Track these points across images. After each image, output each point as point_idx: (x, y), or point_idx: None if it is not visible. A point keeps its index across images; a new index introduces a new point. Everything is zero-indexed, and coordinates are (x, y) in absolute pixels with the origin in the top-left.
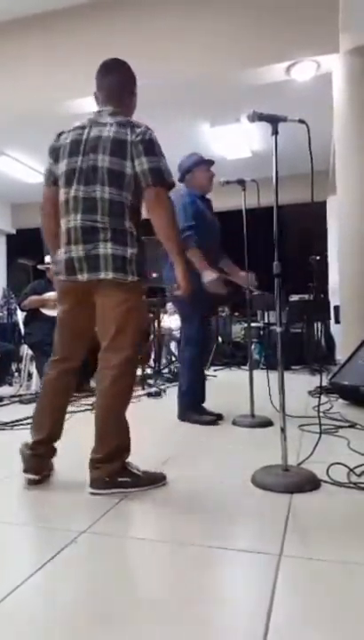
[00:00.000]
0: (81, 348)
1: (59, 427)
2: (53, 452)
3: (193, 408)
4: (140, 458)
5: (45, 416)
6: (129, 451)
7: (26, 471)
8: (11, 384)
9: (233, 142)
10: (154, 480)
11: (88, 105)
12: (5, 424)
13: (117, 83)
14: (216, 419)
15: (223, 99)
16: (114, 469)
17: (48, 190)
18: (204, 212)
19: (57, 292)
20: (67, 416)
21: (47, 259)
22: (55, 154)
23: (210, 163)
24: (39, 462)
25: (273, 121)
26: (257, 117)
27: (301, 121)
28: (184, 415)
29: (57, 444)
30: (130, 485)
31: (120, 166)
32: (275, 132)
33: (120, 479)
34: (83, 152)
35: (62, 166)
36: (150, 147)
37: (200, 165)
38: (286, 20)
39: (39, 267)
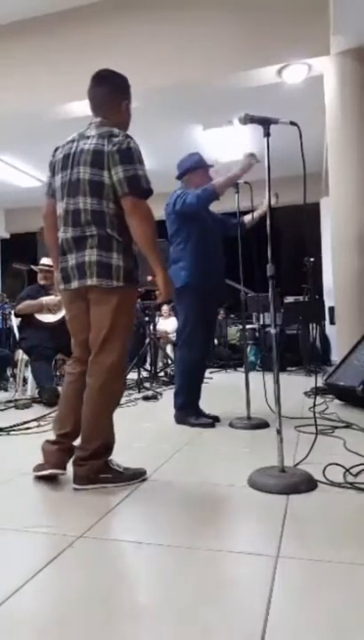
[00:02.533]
0: (88, 353)
1: (80, 423)
2: (73, 450)
3: (188, 411)
4: (137, 461)
5: (70, 411)
6: (112, 449)
7: (45, 466)
8: (6, 389)
9: (226, 145)
10: (135, 475)
11: (85, 109)
12: (1, 429)
13: (103, 93)
14: (212, 421)
15: (215, 101)
16: (97, 467)
17: (48, 202)
18: (205, 216)
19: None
20: None
21: (43, 260)
22: (52, 168)
23: (210, 167)
24: (62, 457)
25: (265, 123)
26: (249, 120)
27: (293, 123)
28: (181, 419)
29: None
30: (112, 481)
31: (99, 177)
32: (267, 135)
33: (102, 475)
34: (71, 165)
35: (57, 180)
36: (127, 155)
37: (199, 168)
38: (277, 22)
39: (33, 267)
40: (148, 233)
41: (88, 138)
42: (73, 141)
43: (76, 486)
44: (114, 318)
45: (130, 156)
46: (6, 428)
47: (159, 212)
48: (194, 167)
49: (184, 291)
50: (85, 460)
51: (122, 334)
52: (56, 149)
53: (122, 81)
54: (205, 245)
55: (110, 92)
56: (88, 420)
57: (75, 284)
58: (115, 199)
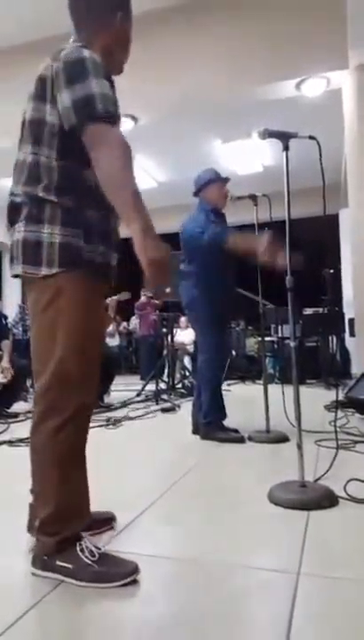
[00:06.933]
0: None
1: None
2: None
3: (216, 427)
4: (155, 474)
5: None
6: (72, 521)
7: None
8: (26, 400)
9: (245, 157)
10: (109, 576)
11: None
12: (21, 440)
13: (85, 1)
14: (242, 436)
15: (234, 115)
16: (49, 547)
17: None
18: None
19: None
20: None
21: None
22: None
23: (226, 180)
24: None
25: (284, 138)
26: (268, 134)
27: (311, 137)
28: (207, 434)
29: None
30: (71, 575)
31: (38, 113)
32: (286, 149)
33: (60, 563)
34: None
35: None
36: (75, 71)
37: (215, 182)
38: (296, 36)
39: None
40: (115, 165)
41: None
42: None
43: (31, 569)
44: (47, 326)
45: (78, 71)
46: (25, 438)
47: (177, 225)
48: (209, 182)
49: (194, 302)
50: (37, 532)
51: (61, 350)
52: None
53: None
54: (214, 260)
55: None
56: (35, 478)
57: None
58: (60, 145)
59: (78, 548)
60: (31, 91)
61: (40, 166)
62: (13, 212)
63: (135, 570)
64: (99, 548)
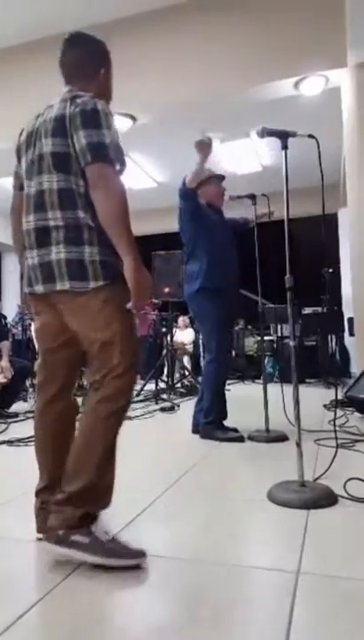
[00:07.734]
0: (63, 368)
1: (61, 468)
2: None
3: (215, 426)
4: (154, 474)
5: (42, 456)
6: (101, 500)
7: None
8: (25, 400)
9: (244, 157)
10: (119, 554)
11: None
12: (20, 440)
13: (75, 57)
14: (242, 435)
15: (232, 115)
16: (72, 519)
17: (16, 196)
18: (211, 218)
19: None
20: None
21: None
22: (18, 154)
23: (221, 178)
24: (46, 519)
25: (283, 136)
26: (267, 133)
27: (311, 136)
28: (207, 434)
29: None
30: (86, 550)
31: (63, 147)
32: (285, 147)
33: (74, 538)
34: (34, 143)
35: (23, 164)
36: (91, 118)
37: (210, 180)
38: (294, 35)
39: None
40: (114, 209)
41: (52, 107)
42: (38, 116)
43: (42, 537)
44: (108, 325)
45: (95, 118)
46: (25, 438)
47: (175, 225)
48: (204, 181)
49: (201, 294)
50: (59, 504)
51: (122, 342)
52: (21, 131)
53: (99, 45)
54: (215, 245)
55: (83, 56)
56: (76, 453)
57: (40, 288)
58: (85, 174)
59: (92, 528)
60: (46, 128)
61: (73, 192)
62: (43, 235)
63: (143, 553)
64: (108, 534)
